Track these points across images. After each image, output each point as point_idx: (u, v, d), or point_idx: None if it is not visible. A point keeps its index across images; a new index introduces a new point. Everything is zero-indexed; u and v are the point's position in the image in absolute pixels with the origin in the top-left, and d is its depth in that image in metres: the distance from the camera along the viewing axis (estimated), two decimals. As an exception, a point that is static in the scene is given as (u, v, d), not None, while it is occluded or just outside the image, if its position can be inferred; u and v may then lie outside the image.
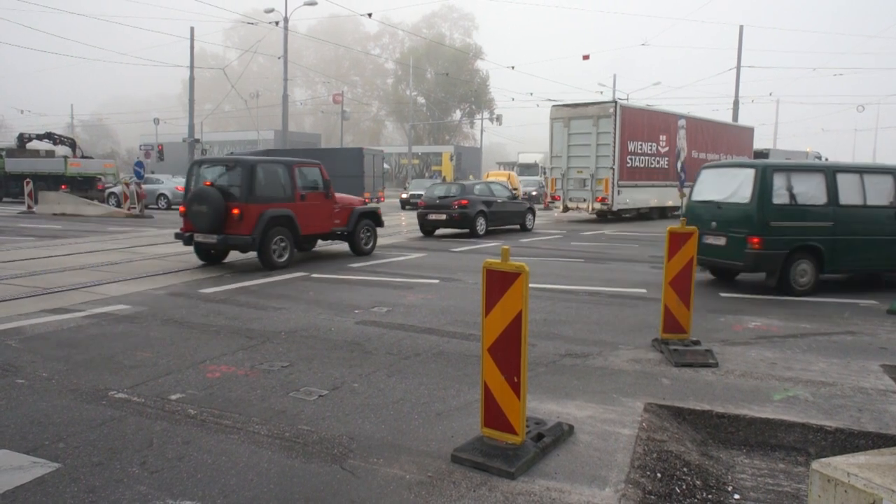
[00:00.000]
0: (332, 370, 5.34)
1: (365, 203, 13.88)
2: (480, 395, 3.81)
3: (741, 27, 37.16)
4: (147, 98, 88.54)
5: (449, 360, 5.70)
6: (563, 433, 4.02)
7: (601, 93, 54.93)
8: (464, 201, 17.41)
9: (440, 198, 17.89)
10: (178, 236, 11.48)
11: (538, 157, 58.16)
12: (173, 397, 4.65)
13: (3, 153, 32.82)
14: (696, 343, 6.01)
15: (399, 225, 21.26)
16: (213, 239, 10.84)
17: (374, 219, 13.51)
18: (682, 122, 25.22)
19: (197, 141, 41.46)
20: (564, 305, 8.07)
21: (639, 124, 22.94)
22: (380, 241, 14.82)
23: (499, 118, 64.03)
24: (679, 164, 24.95)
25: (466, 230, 17.60)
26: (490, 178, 31.24)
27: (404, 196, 32.40)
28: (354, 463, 3.67)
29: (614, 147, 21.74)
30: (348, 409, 4.49)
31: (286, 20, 35.97)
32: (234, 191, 10.81)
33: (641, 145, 22.99)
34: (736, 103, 37.34)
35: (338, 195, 12.75)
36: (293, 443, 3.91)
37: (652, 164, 23.46)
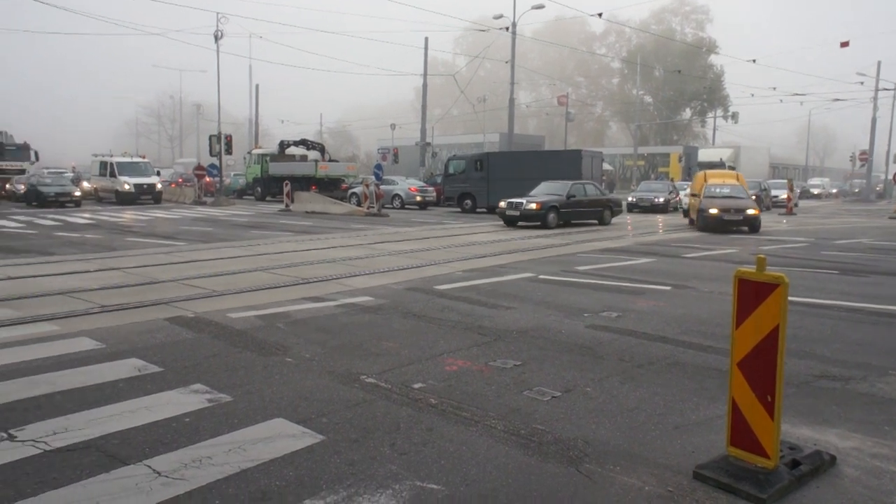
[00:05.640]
0: (564, 372, 5.35)
1: None
2: (727, 411, 3.59)
3: None
4: (383, 105, 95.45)
5: (685, 371, 5.43)
6: (822, 463, 3.64)
7: (862, 83, 48.61)
8: None
9: None
10: None
11: (725, 154, 52.51)
12: (416, 386, 4.99)
13: (268, 158, 37.68)
14: None
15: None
16: None
17: None
18: None
19: (428, 144, 44.03)
20: (817, 321, 7.29)
21: None
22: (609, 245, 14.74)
23: (734, 116, 59.76)
24: None
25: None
26: (714, 181, 28.64)
27: (631, 199, 29.98)
28: (590, 468, 3.64)
29: None
30: (581, 412, 4.47)
31: (514, 25, 36.76)
32: None
33: None
34: None
35: None
36: (528, 440, 3.99)
37: None
